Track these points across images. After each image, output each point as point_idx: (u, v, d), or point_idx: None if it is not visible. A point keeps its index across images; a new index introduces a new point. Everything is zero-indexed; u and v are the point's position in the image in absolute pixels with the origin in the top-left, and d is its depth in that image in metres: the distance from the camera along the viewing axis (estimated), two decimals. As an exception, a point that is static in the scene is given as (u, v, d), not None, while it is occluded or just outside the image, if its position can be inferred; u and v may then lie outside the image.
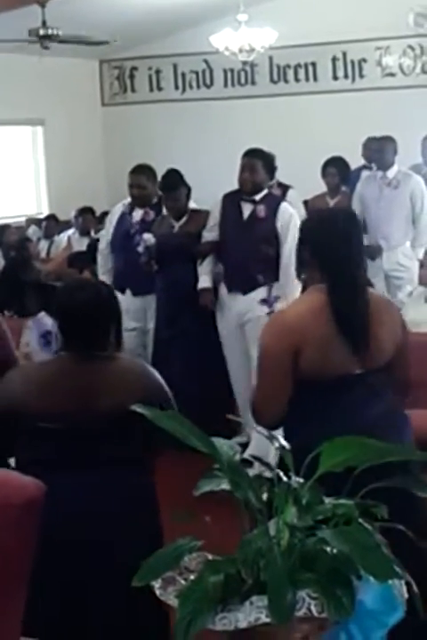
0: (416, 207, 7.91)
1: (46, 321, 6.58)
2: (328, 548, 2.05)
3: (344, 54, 12.25)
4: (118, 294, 6.83)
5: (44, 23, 9.34)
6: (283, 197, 8.55)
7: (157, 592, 2.04)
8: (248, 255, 6.37)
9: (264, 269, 6.38)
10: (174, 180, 6.88)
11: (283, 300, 6.21)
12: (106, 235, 7.38)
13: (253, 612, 1.96)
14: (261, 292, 6.40)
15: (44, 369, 3.49)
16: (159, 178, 7.06)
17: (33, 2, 9.18)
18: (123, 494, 3.30)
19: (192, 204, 6.99)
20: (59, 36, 9.46)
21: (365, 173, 8.93)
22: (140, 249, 6.84)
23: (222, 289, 6.61)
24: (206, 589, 1.97)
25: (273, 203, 6.51)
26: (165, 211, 6.99)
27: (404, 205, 7.90)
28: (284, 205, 6.54)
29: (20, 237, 10.45)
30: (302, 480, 2.17)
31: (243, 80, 12.75)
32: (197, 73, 13.00)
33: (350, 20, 11.49)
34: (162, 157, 12.26)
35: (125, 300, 6.82)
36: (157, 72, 13.22)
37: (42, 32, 9.34)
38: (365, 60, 12.18)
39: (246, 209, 6.49)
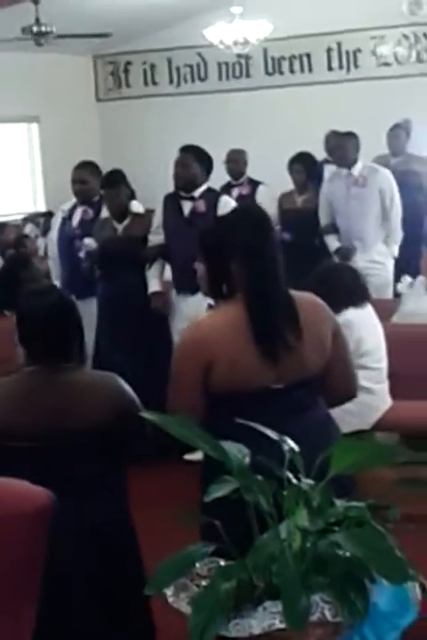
0: (386, 203, 7.56)
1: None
2: (341, 551, 2.03)
3: (339, 45, 12.21)
4: None
5: (37, 20, 9.32)
6: (253, 194, 8.55)
7: (170, 599, 2.03)
8: (192, 252, 6.23)
9: None
10: (115, 177, 6.75)
11: None
12: (52, 239, 7.31)
13: (266, 618, 1.95)
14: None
15: (12, 386, 3.31)
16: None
17: (26, -1, 9.17)
18: (98, 511, 3.18)
19: (137, 208, 6.80)
20: (52, 33, 9.44)
21: (328, 168, 8.75)
22: (82, 254, 6.68)
23: (173, 292, 6.55)
24: (219, 596, 1.96)
25: (213, 197, 6.44)
26: (105, 212, 6.81)
27: (374, 203, 7.56)
28: (224, 199, 6.49)
29: (17, 235, 10.43)
30: (312, 482, 2.16)
31: (237, 73, 12.71)
32: (191, 67, 12.96)
33: (344, 10, 11.45)
34: (157, 151, 12.28)
35: None
36: (152, 66, 13.17)
37: (35, 29, 9.33)
38: (359, 51, 12.15)
39: (186, 207, 6.44)
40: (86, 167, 7.07)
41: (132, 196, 6.76)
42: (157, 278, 6.59)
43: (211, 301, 5.72)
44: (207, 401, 3.09)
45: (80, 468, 3.18)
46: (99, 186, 6.92)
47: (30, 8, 9.26)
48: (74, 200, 7.15)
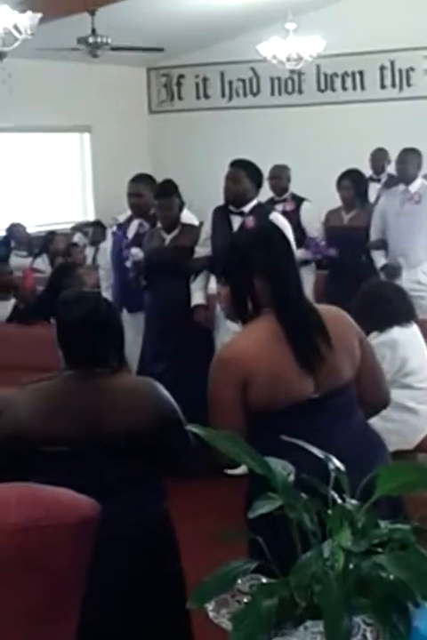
0: None
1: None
2: (384, 574, 2.01)
3: (392, 63, 12.21)
4: None
5: (93, 31, 9.41)
6: (297, 210, 8.49)
7: (211, 614, 2.02)
8: None
9: None
10: (169, 187, 6.71)
11: None
12: (106, 249, 7.30)
13: (307, 638, 1.94)
14: None
15: (50, 390, 3.35)
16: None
17: (83, 10, 9.25)
18: (136, 519, 3.20)
19: (189, 219, 6.80)
20: (108, 44, 9.52)
21: (372, 186, 8.66)
22: (128, 264, 6.69)
23: (218, 306, 6.25)
24: (260, 613, 1.95)
25: (263, 213, 6.36)
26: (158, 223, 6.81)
27: (425, 221, 7.46)
28: (274, 215, 6.42)
29: (67, 244, 10.51)
30: (357, 503, 2.14)
31: (290, 88, 12.74)
32: (243, 81, 13.02)
33: (398, 28, 11.43)
34: (207, 164, 12.33)
35: (124, 318, 6.73)
36: (204, 80, 13.24)
37: (91, 40, 9.42)
38: (412, 69, 12.13)
39: (236, 222, 6.36)
40: (142, 180, 7.04)
41: (182, 207, 6.76)
42: (200, 291, 6.54)
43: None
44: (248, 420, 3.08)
45: (116, 472, 3.19)
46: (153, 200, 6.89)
47: (87, 19, 9.36)
48: (129, 212, 7.14)
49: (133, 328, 6.56)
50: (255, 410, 3.08)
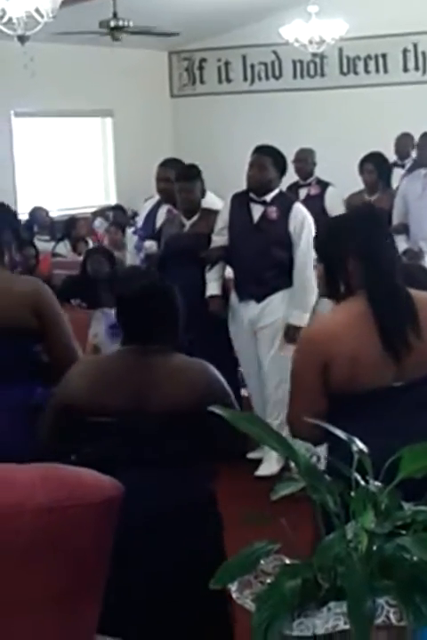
0: None
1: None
2: (407, 555, 2.01)
3: (415, 46, 12.14)
4: None
5: (114, 15, 9.40)
6: (322, 194, 8.43)
7: (234, 595, 2.03)
8: (259, 259, 6.05)
9: (277, 275, 6.08)
10: (191, 172, 6.57)
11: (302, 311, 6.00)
12: (131, 235, 7.18)
13: (330, 619, 1.94)
14: (275, 300, 6.10)
15: (103, 364, 3.47)
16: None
17: (104, -7, 9.25)
18: (178, 497, 3.24)
19: (213, 204, 6.66)
20: (129, 28, 9.51)
21: (396, 171, 8.62)
22: (141, 256, 6.55)
23: (233, 297, 6.30)
24: (284, 594, 1.95)
25: (285, 203, 6.14)
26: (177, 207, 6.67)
27: None
28: (296, 206, 6.18)
29: (88, 229, 10.52)
30: (380, 485, 2.14)
31: (312, 72, 12.70)
32: (265, 64, 12.98)
33: (421, 11, 11.35)
34: (229, 148, 12.31)
35: None
36: (226, 64, 13.21)
37: (113, 24, 9.42)
38: (436, 52, 12.06)
39: (257, 211, 6.14)
40: (171, 165, 6.88)
41: (204, 193, 6.67)
42: (216, 281, 6.38)
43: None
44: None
45: (160, 449, 3.24)
46: None
47: (108, 2, 9.35)
48: (157, 197, 7.02)
49: None
50: (336, 391, 3.08)
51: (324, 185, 8.46)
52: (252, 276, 6.15)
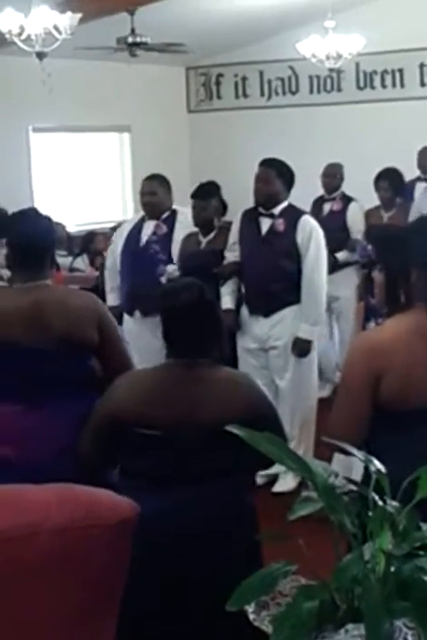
0: None
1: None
2: (425, 577, 2.00)
3: (432, 60, 12.11)
4: (125, 316, 6.67)
5: (132, 31, 9.44)
6: (344, 210, 8.40)
7: (251, 617, 2.02)
8: (268, 272, 6.04)
9: (286, 288, 6.05)
10: (206, 189, 6.59)
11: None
12: (113, 250, 6.99)
13: (348, 641, 1.93)
14: (286, 318, 6.06)
15: (150, 376, 3.47)
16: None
17: (122, 10, 9.28)
18: (223, 510, 3.26)
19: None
20: (147, 44, 9.54)
21: (419, 186, 8.61)
22: (163, 279, 6.44)
23: (244, 310, 6.29)
24: (301, 616, 1.94)
25: (294, 216, 6.11)
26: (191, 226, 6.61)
27: None
28: (304, 218, 6.15)
29: (106, 245, 10.51)
30: (398, 505, 2.13)
31: (329, 87, 12.68)
32: (282, 79, 12.97)
33: (438, 25, 11.35)
34: (247, 163, 12.28)
35: (134, 321, 6.57)
36: (243, 79, 13.22)
37: (130, 40, 9.45)
38: (453, 67, 12.03)
39: (265, 224, 6.14)
40: (155, 179, 6.82)
41: (225, 209, 6.68)
42: (229, 295, 6.35)
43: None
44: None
45: (204, 462, 3.25)
46: (169, 199, 6.76)
47: (126, 18, 9.39)
48: (140, 214, 6.95)
49: (149, 332, 6.24)
50: (387, 406, 3.03)
51: (347, 200, 8.43)
52: (260, 289, 6.15)
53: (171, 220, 6.73)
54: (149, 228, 6.75)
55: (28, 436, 3.77)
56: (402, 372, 3.00)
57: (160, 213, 6.73)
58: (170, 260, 6.62)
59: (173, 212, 6.76)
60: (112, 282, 6.96)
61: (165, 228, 6.69)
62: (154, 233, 6.70)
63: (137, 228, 6.81)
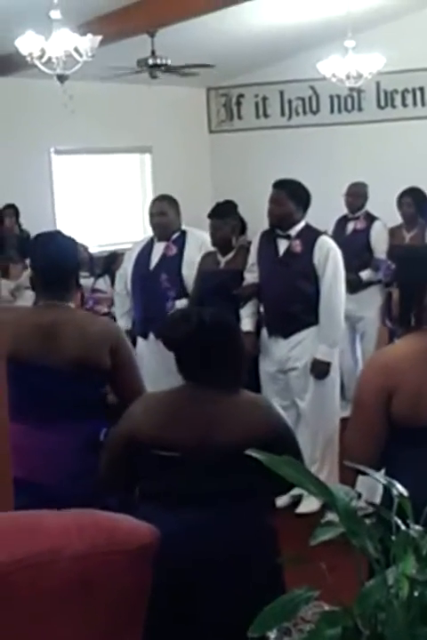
0: None
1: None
2: (449, 603, 1.98)
3: (453, 79, 12.09)
4: (139, 340, 6.63)
5: (153, 53, 9.48)
6: (368, 229, 8.37)
7: (273, 643, 2.00)
8: (285, 293, 6.02)
9: (304, 310, 6.01)
10: (223, 209, 6.58)
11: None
12: (123, 274, 6.96)
13: (371, 668, 1.90)
14: (306, 340, 6.02)
15: (167, 397, 3.45)
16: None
17: (143, 32, 9.32)
18: (242, 533, 3.23)
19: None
20: (167, 66, 9.57)
21: None
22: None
23: (264, 332, 6.26)
24: (324, 642, 1.92)
25: (311, 236, 6.06)
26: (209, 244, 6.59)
27: None
28: (322, 239, 6.10)
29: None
30: (421, 529, 2.10)
31: (349, 106, 12.68)
32: (303, 99, 12.99)
33: (458, 44, 11.33)
34: (267, 183, 12.27)
35: (147, 344, 6.53)
36: (264, 99, 13.24)
37: (151, 62, 9.49)
38: None
39: (282, 245, 6.11)
40: (164, 199, 6.80)
41: (243, 228, 6.67)
42: (249, 317, 6.31)
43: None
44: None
45: (222, 484, 3.23)
46: (178, 220, 6.72)
47: (146, 40, 9.42)
48: (149, 235, 6.91)
49: (163, 353, 6.24)
50: (399, 423, 3.06)
51: (371, 219, 8.40)
52: (279, 310, 6.12)
53: (180, 241, 6.70)
54: (158, 249, 6.72)
55: (35, 456, 3.78)
56: (413, 390, 3.03)
57: (170, 234, 6.70)
58: (180, 285, 6.60)
59: (183, 233, 6.74)
60: (123, 307, 6.95)
61: (174, 249, 6.66)
62: (164, 255, 6.66)
63: (146, 251, 6.78)
